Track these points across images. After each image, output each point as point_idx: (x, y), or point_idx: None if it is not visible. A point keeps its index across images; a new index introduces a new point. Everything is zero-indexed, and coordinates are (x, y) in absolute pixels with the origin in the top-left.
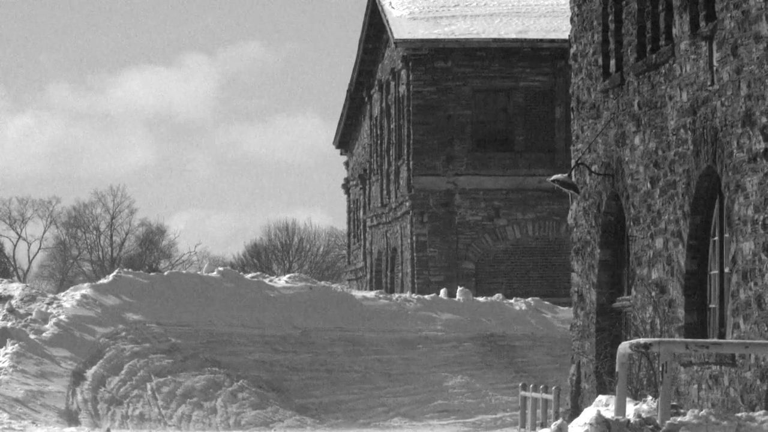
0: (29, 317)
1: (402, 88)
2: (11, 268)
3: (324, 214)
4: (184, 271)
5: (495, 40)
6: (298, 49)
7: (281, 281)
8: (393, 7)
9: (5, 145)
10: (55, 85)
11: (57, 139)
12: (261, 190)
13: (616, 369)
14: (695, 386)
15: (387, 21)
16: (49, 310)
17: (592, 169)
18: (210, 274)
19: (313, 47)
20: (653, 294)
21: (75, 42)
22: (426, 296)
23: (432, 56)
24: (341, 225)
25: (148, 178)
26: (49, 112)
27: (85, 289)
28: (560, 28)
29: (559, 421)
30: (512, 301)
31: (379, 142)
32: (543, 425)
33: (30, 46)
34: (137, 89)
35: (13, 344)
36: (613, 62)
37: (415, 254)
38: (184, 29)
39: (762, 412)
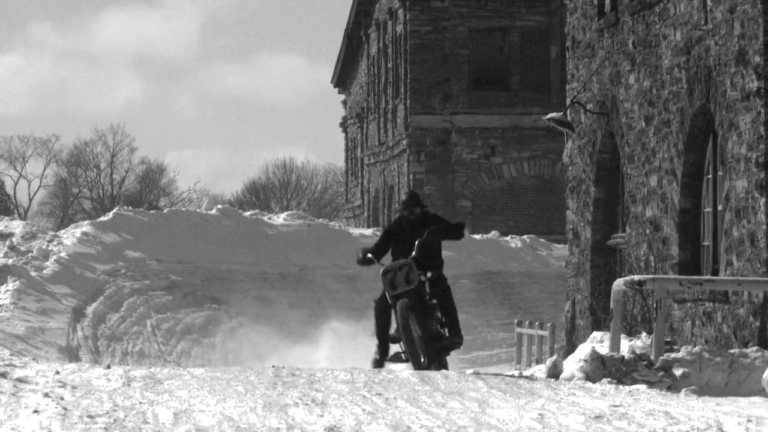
0: (30, 254)
1: (399, 28)
2: (12, 206)
3: (315, 152)
4: (183, 209)
5: None
6: None
7: (279, 219)
8: None
9: None
10: (37, 25)
11: (44, 78)
12: (250, 129)
13: (611, 306)
14: (689, 323)
15: None
16: (49, 248)
17: (587, 107)
18: (209, 212)
19: None
20: (647, 231)
21: None
22: None
23: None
24: (338, 162)
25: (137, 116)
26: (34, 52)
27: (85, 226)
28: None
29: (554, 358)
30: (508, 238)
31: (376, 81)
32: (538, 361)
33: None
34: (119, 28)
35: (14, 281)
36: (608, 1)
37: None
38: None
39: (755, 348)
